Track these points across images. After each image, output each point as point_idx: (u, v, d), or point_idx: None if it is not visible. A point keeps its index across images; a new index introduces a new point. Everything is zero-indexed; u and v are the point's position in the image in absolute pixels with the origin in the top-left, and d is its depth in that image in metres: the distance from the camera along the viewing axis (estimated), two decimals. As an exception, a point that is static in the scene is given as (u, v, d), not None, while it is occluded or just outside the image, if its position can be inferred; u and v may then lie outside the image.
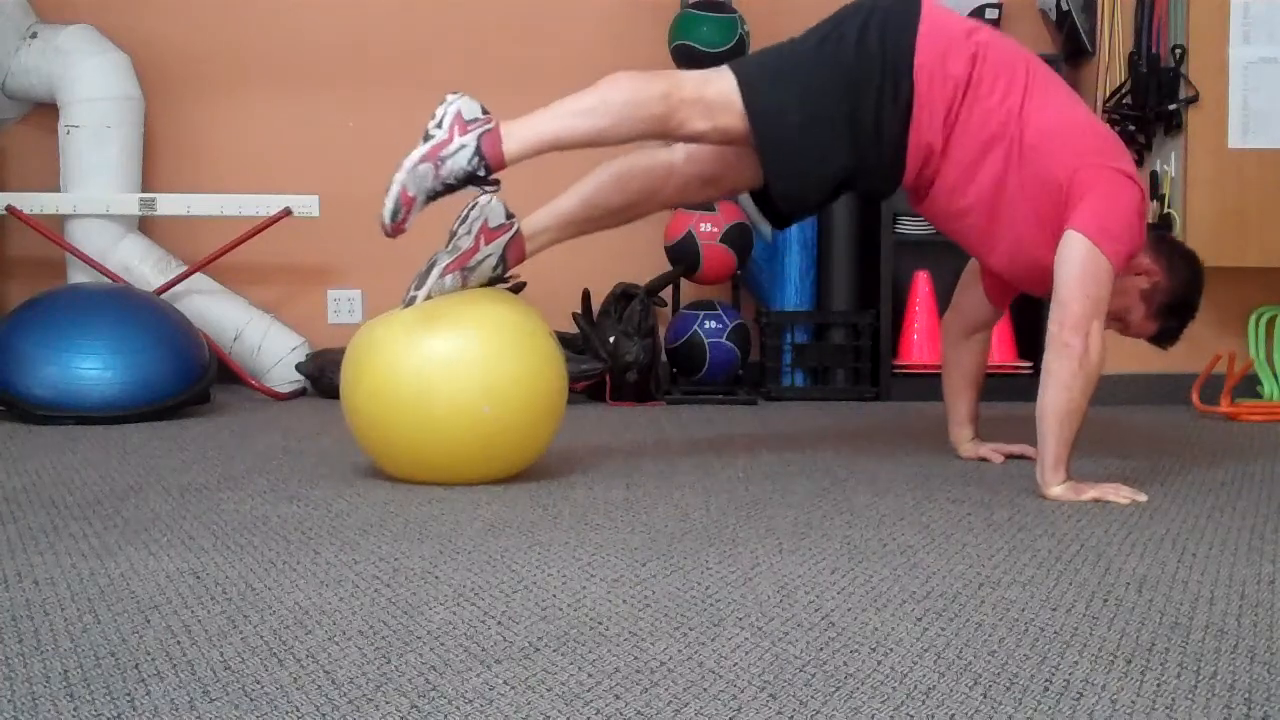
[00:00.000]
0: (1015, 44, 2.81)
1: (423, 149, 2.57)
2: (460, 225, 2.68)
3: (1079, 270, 2.60)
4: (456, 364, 2.58)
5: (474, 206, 2.69)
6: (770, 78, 2.71)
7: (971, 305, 3.13)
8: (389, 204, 2.54)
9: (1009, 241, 2.80)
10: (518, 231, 2.73)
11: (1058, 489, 2.60)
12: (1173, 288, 2.81)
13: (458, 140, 2.57)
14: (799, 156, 2.71)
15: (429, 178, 2.56)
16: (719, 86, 2.68)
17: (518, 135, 2.60)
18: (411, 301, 2.63)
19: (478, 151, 2.57)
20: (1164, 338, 2.88)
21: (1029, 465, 2.83)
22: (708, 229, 4.42)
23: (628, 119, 2.64)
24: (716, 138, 2.72)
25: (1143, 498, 2.59)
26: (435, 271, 2.63)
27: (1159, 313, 2.82)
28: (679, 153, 2.85)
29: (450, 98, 2.63)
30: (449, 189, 2.58)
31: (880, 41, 2.69)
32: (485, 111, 2.63)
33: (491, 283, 2.75)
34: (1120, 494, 2.59)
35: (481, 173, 2.58)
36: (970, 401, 3.16)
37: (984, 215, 2.78)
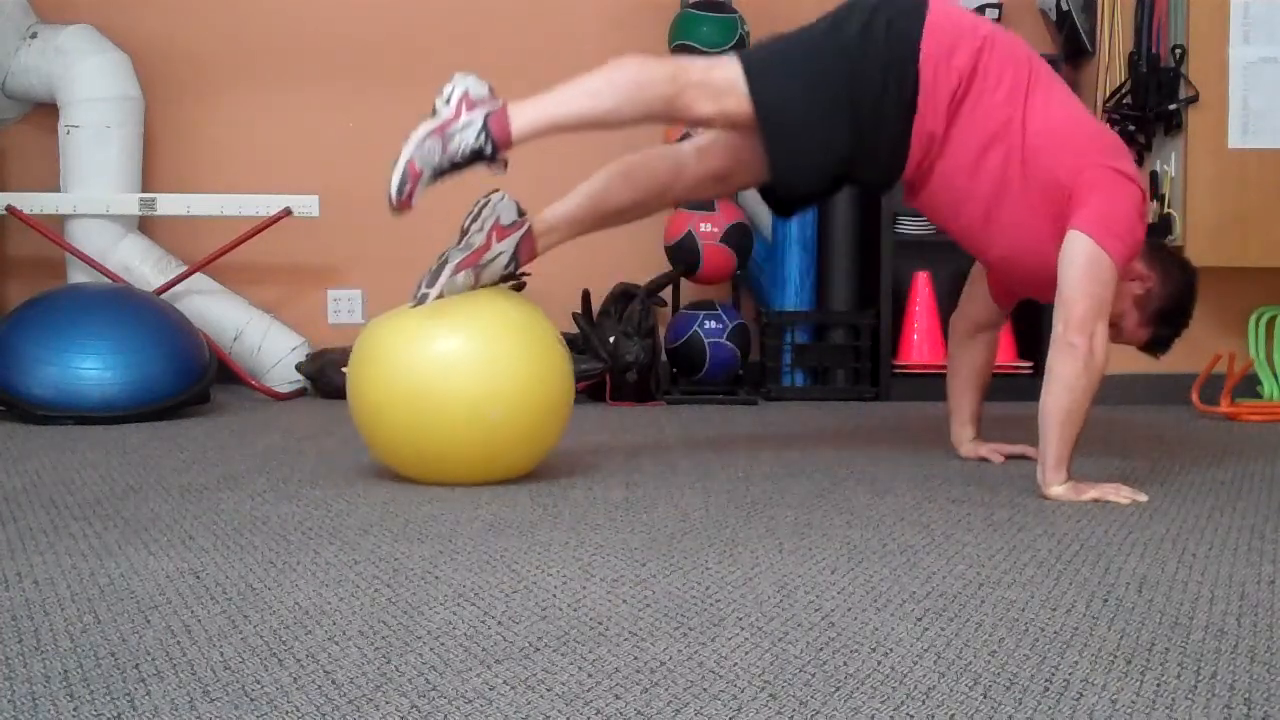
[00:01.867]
0: (1021, 41, 2.81)
1: (430, 125, 2.55)
2: (472, 222, 2.67)
3: (1083, 270, 2.59)
4: (464, 366, 2.57)
5: (485, 204, 2.68)
6: (776, 64, 2.71)
7: (977, 306, 3.13)
8: (395, 178, 2.51)
9: (1007, 240, 2.79)
10: (529, 229, 2.72)
11: (1058, 489, 2.60)
12: (1167, 294, 2.80)
13: (465, 117, 2.56)
14: (802, 142, 2.70)
15: (436, 153, 2.53)
16: (725, 72, 2.68)
17: (525, 114, 2.59)
18: (423, 299, 2.60)
19: (484, 129, 2.55)
20: (1156, 345, 2.88)
21: (1029, 465, 2.83)
22: (708, 229, 4.41)
23: (633, 100, 2.63)
24: (721, 122, 2.72)
25: (1143, 498, 2.59)
26: (448, 270, 2.61)
27: (1152, 319, 2.81)
28: (688, 149, 2.85)
29: (457, 76, 2.61)
30: (455, 167, 2.56)
31: (887, 31, 2.69)
32: (492, 91, 2.61)
33: (502, 280, 2.73)
34: (1120, 494, 2.59)
35: (489, 150, 2.56)
36: (973, 402, 3.16)
37: (981, 212, 2.77)
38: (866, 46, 2.68)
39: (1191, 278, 2.87)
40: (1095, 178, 2.65)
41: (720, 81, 2.67)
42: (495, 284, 2.73)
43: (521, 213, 2.72)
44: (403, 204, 2.53)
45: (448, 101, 2.58)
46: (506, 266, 2.70)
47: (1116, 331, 2.81)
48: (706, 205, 4.42)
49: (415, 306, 2.62)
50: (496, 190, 2.71)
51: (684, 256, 4.44)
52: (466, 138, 2.55)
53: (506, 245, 2.68)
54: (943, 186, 2.78)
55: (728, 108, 2.68)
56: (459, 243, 2.67)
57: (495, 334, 2.62)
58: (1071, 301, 2.59)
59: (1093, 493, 2.58)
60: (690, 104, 2.66)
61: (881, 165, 2.78)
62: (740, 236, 4.45)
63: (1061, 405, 2.58)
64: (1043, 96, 2.72)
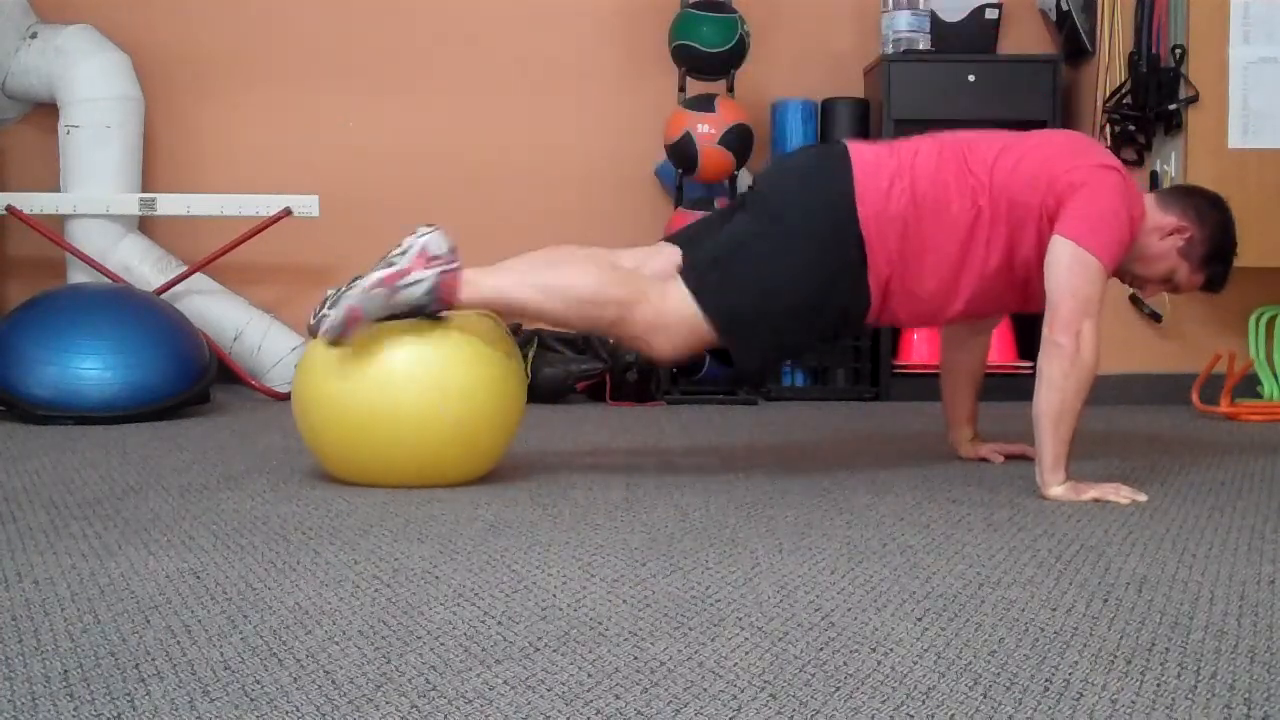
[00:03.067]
0: (933, 137, 2.80)
1: (381, 273, 2.55)
2: (396, 250, 2.61)
3: (1067, 270, 2.61)
4: (412, 368, 2.57)
5: (414, 236, 2.63)
6: (722, 275, 2.69)
7: None
8: (335, 317, 2.53)
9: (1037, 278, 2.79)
10: (456, 270, 2.61)
11: (1057, 489, 2.60)
12: (1208, 236, 2.82)
13: (417, 273, 2.56)
14: (763, 342, 2.74)
15: (380, 302, 2.55)
16: (675, 300, 2.67)
17: (475, 286, 2.60)
18: (324, 301, 2.59)
19: (434, 289, 2.56)
20: (1214, 284, 2.90)
21: (1029, 465, 2.83)
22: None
23: (582, 314, 2.68)
24: (675, 355, 2.77)
25: (1143, 498, 2.59)
26: (363, 282, 2.56)
27: (1203, 263, 2.84)
28: (649, 314, 2.68)
29: (423, 230, 2.61)
30: (395, 317, 2.58)
31: (820, 204, 2.71)
32: (453, 251, 2.60)
33: (417, 313, 2.60)
34: (1120, 494, 2.59)
35: (432, 309, 2.58)
36: (969, 402, 3.16)
37: (1016, 288, 2.79)
38: (806, 227, 2.70)
39: (1226, 211, 2.88)
40: (1066, 184, 2.66)
41: (672, 314, 2.66)
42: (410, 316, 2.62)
43: (453, 250, 2.63)
44: (337, 341, 2.56)
45: (404, 253, 2.58)
46: (423, 297, 2.58)
47: (1174, 286, 2.87)
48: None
49: (315, 322, 2.59)
50: (430, 225, 2.65)
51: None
52: (414, 293, 2.56)
53: (428, 275, 2.58)
54: (953, 300, 2.78)
55: (681, 342, 2.69)
56: (379, 264, 2.61)
57: (437, 335, 2.61)
58: (1057, 302, 2.61)
59: (1092, 493, 2.58)
60: (640, 335, 2.68)
61: (846, 320, 2.82)
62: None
63: (1052, 405, 2.59)
64: (990, 155, 2.72)
